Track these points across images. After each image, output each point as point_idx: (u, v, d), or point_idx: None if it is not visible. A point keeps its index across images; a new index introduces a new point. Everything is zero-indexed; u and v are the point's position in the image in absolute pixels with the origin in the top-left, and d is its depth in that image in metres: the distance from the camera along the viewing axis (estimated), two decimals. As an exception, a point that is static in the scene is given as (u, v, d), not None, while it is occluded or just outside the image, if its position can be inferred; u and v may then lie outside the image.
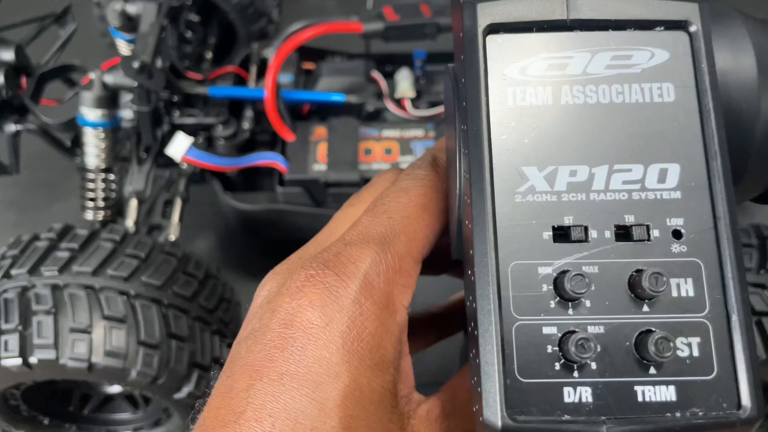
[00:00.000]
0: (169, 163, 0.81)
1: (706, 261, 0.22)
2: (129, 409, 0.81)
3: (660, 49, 0.24)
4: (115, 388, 0.80)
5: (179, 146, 0.77)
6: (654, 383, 0.22)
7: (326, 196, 0.84)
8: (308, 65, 0.94)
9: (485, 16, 0.24)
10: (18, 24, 0.80)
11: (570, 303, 0.22)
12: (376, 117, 0.89)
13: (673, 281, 0.22)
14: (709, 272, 0.22)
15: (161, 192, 0.82)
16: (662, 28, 0.24)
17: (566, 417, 0.21)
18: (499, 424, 0.21)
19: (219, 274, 0.74)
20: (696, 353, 0.22)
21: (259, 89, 0.84)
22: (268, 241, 0.97)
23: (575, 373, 0.22)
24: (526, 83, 0.24)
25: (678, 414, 0.21)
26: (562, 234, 0.23)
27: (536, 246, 0.23)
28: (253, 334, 0.26)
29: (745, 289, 0.22)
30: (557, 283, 0.22)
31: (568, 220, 0.23)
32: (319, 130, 0.86)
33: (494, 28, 0.24)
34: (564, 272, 0.22)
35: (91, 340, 0.60)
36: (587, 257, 0.23)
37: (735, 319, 0.22)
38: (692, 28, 0.24)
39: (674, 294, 0.22)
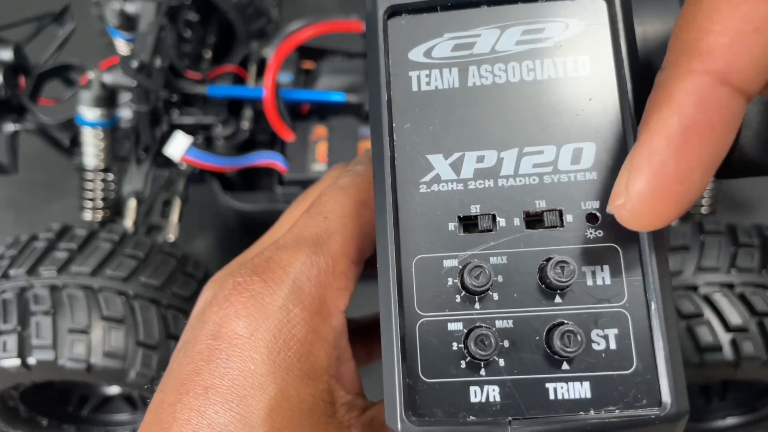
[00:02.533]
0: (168, 162, 0.81)
1: (624, 245, 0.21)
2: (128, 410, 0.81)
3: (575, 19, 0.22)
4: (113, 389, 0.80)
5: (178, 146, 0.77)
6: (567, 380, 0.20)
7: (326, 196, 0.84)
8: (308, 64, 0.94)
9: None
10: (16, 23, 0.79)
11: (476, 297, 0.21)
12: (376, 116, 0.89)
13: (588, 269, 0.21)
14: (628, 258, 0.21)
15: (160, 192, 0.82)
16: None
17: (471, 418, 0.20)
18: (399, 428, 0.20)
19: (218, 275, 0.74)
20: (613, 346, 0.20)
21: (258, 88, 0.84)
22: (267, 241, 0.97)
23: (482, 371, 0.20)
24: (431, 66, 0.23)
25: (592, 412, 0.20)
26: (469, 224, 0.22)
27: (442, 238, 0.22)
28: (184, 347, 0.25)
29: (666, 275, 0.20)
30: (463, 276, 0.21)
31: (475, 209, 0.22)
32: (319, 130, 0.86)
33: (396, 10, 0.23)
34: (470, 265, 0.21)
35: (90, 341, 0.60)
36: (495, 247, 0.21)
37: (654, 307, 0.20)
38: None
39: (589, 283, 0.21)
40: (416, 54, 0.23)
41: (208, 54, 0.99)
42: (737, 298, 0.57)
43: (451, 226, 0.22)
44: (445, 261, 0.21)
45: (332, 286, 0.25)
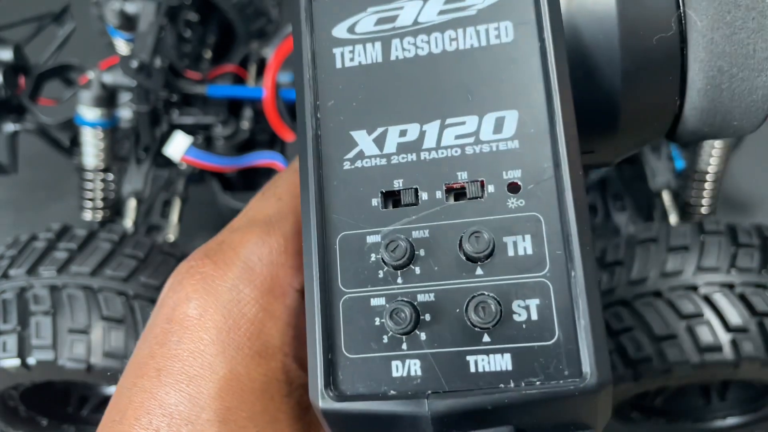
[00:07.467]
0: (168, 162, 0.81)
1: (546, 214, 0.20)
2: (128, 410, 0.81)
3: None
4: (113, 389, 0.80)
5: (178, 146, 0.77)
6: (487, 352, 0.20)
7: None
8: (308, 64, 0.94)
9: None
10: (16, 23, 0.79)
11: (398, 272, 0.21)
12: (376, 116, 0.89)
13: (509, 239, 0.20)
14: (550, 226, 0.20)
15: (160, 192, 0.82)
16: None
17: (392, 392, 0.20)
18: (319, 404, 0.20)
19: (218, 275, 0.74)
20: (534, 317, 0.20)
21: (258, 88, 0.84)
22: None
23: (404, 346, 0.20)
24: (354, 42, 0.23)
25: (512, 384, 0.19)
26: (392, 199, 0.22)
27: (365, 214, 0.21)
28: (144, 333, 0.26)
29: (588, 242, 0.20)
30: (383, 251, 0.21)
31: (398, 184, 0.22)
32: (319, 130, 0.86)
33: None
34: (392, 240, 0.21)
35: (90, 341, 0.60)
36: (417, 221, 0.21)
37: (574, 275, 0.19)
38: None
39: (510, 253, 0.20)
40: (340, 30, 0.23)
41: (208, 54, 0.99)
42: (737, 298, 0.57)
43: (375, 201, 0.22)
44: (368, 237, 0.21)
45: (285, 264, 0.26)
